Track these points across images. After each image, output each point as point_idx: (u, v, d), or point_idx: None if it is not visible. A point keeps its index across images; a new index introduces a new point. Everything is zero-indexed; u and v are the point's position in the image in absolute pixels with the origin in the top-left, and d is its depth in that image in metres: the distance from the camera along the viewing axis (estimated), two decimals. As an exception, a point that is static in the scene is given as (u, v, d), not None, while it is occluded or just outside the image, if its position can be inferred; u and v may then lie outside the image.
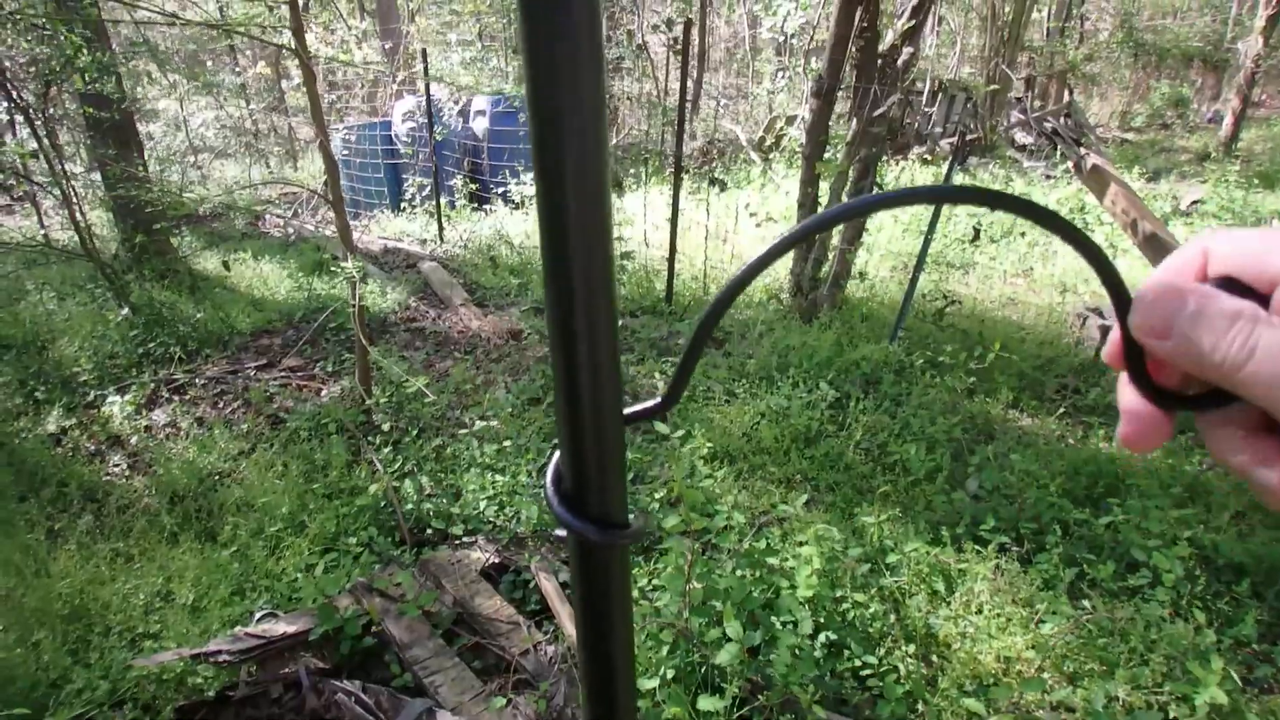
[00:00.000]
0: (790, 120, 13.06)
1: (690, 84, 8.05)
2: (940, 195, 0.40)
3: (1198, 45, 19.76)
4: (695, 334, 0.43)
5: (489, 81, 12.80)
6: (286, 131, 16.67)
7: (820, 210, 5.81)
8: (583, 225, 0.37)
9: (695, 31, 12.07)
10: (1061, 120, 12.44)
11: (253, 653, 2.84)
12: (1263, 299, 0.36)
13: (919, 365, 5.04)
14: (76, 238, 6.09)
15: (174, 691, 2.80)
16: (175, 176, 10.65)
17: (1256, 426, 0.39)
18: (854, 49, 5.53)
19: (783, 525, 3.62)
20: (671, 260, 6.70)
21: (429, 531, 3.80)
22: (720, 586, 2.75)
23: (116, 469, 4.44)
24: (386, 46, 14.01)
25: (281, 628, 2.96)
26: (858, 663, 2.74)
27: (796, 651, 2.64)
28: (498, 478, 4.10)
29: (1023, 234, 8.46)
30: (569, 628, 3.01)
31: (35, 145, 5.93)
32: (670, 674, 2.54)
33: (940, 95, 13.45)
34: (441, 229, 9.53)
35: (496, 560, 3.52)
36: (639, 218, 7.98)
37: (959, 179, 8.20)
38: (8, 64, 6.17)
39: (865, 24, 5.41)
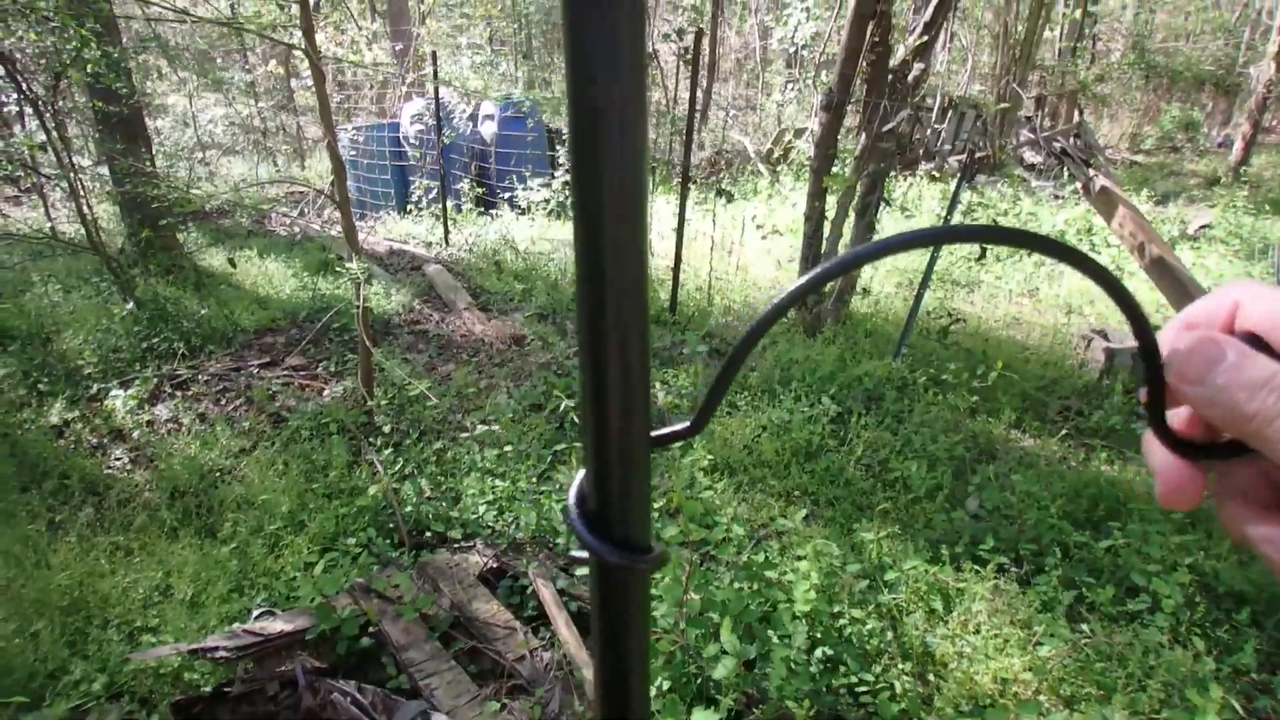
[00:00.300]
0: (799, 133, 13.08)
1: (699, 94, 8.06)
2: (973, 235, 0.40)
3: (1209, 69, 19.77)
4: (726, 364, 0.44)
5: (498, 86, 12.84)
6: (295, 130, 16.70)
7: (830, 224, 5.83)
8: (619, 243, 0.37)
9: (706, 42, 12.10)
10: (1071, 140, 12.43)
11: (250, 650, 2.84)
12: None
13: (922, 382, 5.04)
14: (83, 231, 6.11)
15: (171, 686, 2.81)
16: (183, 172, 10.66)
17: (1267, 499, 0.40)
18: (865, 63, 5.55)
19: (781, 539, 3.62)
20: (676, 271, 6.71)
21: (428, 534, 3.80)
22: (718, 598, 2.75)
23: (118, 463, 4.44)
24: (397, 48, 14.04)
25: (279, 626, 2.96)
26: (854, 679, 2.73)
27: (792, 666, 2.64)
28: (498, 483, 4.10)
29: (1029, 254, 8.45)
30: (565, 634, 3.01)
31: (44, 137, 5.93)
32: (666, 685, 2.54)
33: (950, 112, 13.45)
34: (447, 232, 9.54)
35: (495, 565, 3.52)
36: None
37: (967, 197, 8.22)
38: (18, 56, 6.19)
39: (877, 39, 5.43)
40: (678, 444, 3.97)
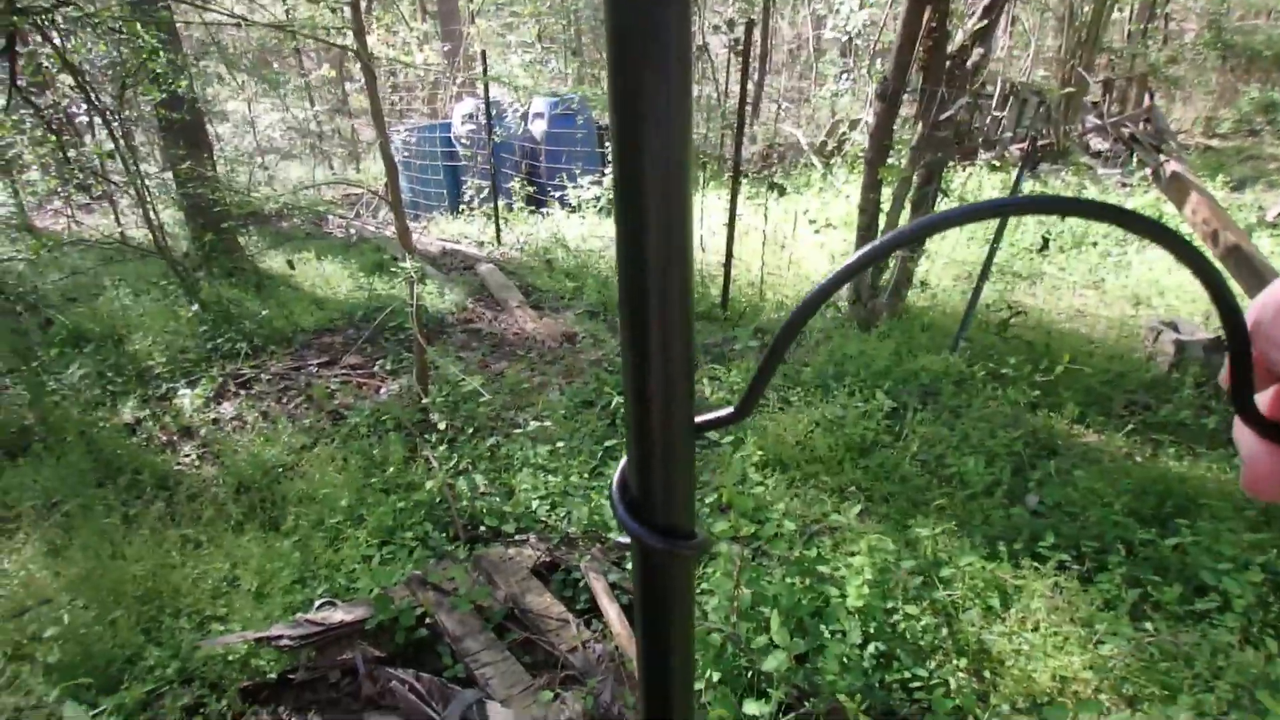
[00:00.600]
0: (853, 124, 12.88)
1: (751, 86, 8.01)
2: (1035, 206, 0.37)
3: (1293, 47, 18.88)
4: (770, 350, 0.43)
5: (548, 84, 12.89)
6: (349, 133, 16.99)
7: (886, 216, 5.74)
8: (662, 228, 0.37)
9: (757, 32, 12.01)
10: (1141, 126, 12.07)
11: (312, 639, 2.92)
12: None
13: (980, 377, 4.94)
14: (150, 236, 6.31)
15: (239, 672, 2.90)
16: (243, 177, 10.93)
17: None
18: (921, 50, 5.42)
19: (834, 535, 3.59)
20: (728, 266, 6.68)
21: (482, 529, 3.85)
22: (769, 593, 2.75)
23: (187, 459, 4.59)
24: (447, 48, 14.18)
25: (339, 616, 3.03)
26: (907, 674, 2.70)
27: (844, 660, 2.63)
28: (550, 478, 4.14)
29: (1094, 244, 8.23)
30: (617, 627, 3.03)
31: (112, 146, 6.12)
32: (717, 677, 2.54)
33: (1011, 99, 13.12)
34: (499, 231, 9.63)
35: (547, 559, 3.56)
36: (696, 222, 7.95)
37: (1028, 187, 8.03)
38: (86, 67, 6.39)
39: (934, 24, 5.29)
40: (729, 439, 3.97)
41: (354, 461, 4.39)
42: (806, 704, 2.49)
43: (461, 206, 10.92)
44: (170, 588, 3.34)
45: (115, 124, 6.10)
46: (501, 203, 9.99)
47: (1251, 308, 0.38)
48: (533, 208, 10.61)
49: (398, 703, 2.75)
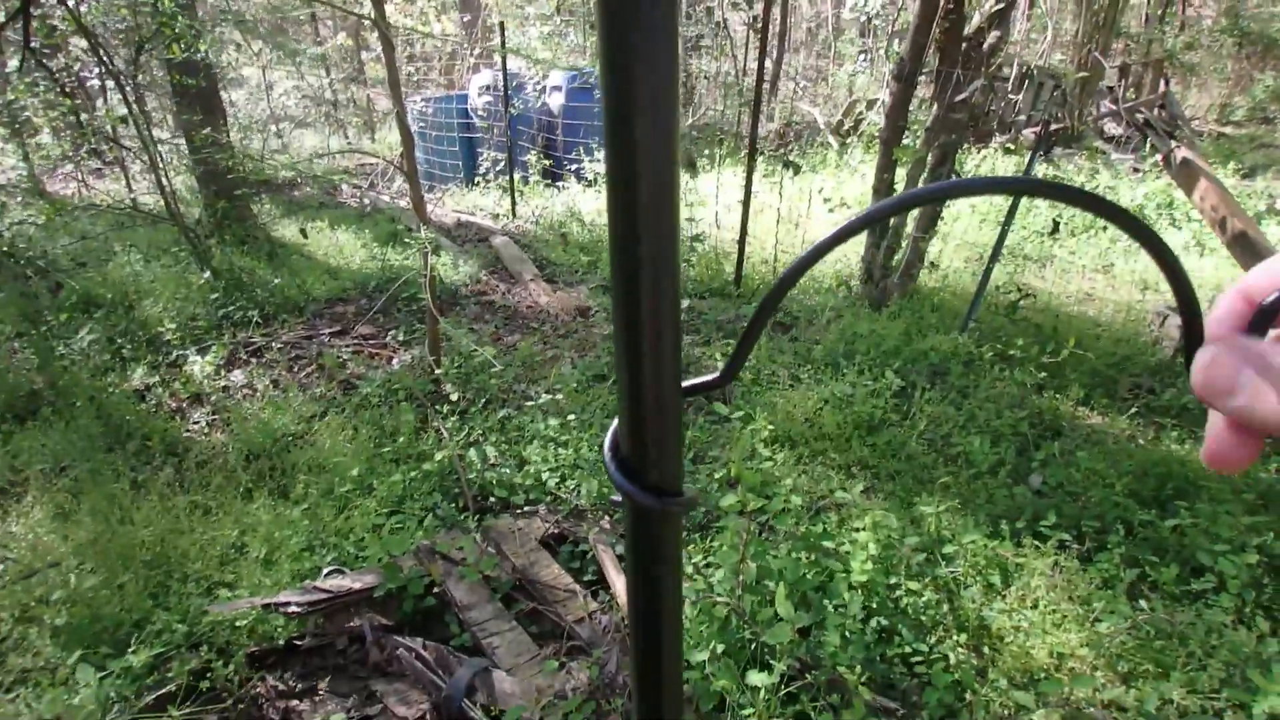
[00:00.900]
0: (870, 104, 12.78)
1: (769, 64, 7.96)
2: (1019, 187, 0.41)
3: (1308, 35, 18.59)
4: (757, 312, 0.45)
5: (565, 57, 12.81)
6: (365, 102, 16.95)
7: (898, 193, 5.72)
8: (652, 198, 0.39)
9: (776, 10, 11.89)
10: (1155, 112, 11.93)
11: (320, 606, 2.96)
12: None
13: (988, 358, 4.94)
14: (162, 202, 6.31)
15: (246, 638, 2.95)
16: (256, 144, 10.92)
17: None
18: (938, 31, 5.39)
19: (840, 511, 3.62)
20: (742, 243, 6.67)
21: (491, 500, 3.89)
22: (774, 567, 2.78)
23: (196, 426, 4.63)
24: (465, 19, 14.10)
25: (348, 584, 3.08)
26: (908, 649, 2.74)
27: (847, 634, 2.66)
28: (560, 451, 4.18)
29: (1104, 228, 8.18)
30: (624, 598, 3.07)
31: (125, 111, 6.10)
32: (721, 648, 2.58)
33: (1027, 82, 12.98)
34: (514, 204, 9.62)
35: (556, 531, 3.60)
36: (711, 199, 7.94)
37: (1040, 170, 7.98)
38: (100, 31, 6.37)
39: (951, 5, 5.26)
40: (739, 415, 3.99)
41: (364, 431, 4.42)
42: (808, 675, 2.53)
43: (477, 179, 10.91)
44: (178, 553, 3.37)
45: (129, 88, 6.10)
46: (517, 175, 9.98)
47: (1222, 305, 0.42)
48: (548, 181, 10.59)
49: (404, 670, 2.80)
